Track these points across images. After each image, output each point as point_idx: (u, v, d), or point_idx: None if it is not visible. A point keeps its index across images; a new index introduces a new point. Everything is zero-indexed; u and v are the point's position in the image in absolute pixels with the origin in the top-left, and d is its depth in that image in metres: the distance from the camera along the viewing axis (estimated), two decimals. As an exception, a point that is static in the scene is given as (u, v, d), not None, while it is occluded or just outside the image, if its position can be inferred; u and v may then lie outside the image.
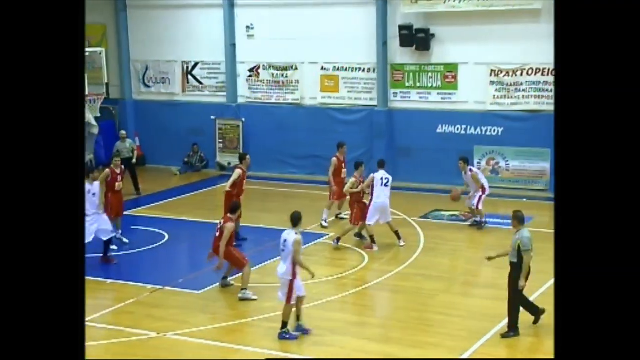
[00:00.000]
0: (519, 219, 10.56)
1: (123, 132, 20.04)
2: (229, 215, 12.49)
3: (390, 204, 17.05)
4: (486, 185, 15.93)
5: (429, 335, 10.66)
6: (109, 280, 13.23)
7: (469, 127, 19.55)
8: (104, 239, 13.81)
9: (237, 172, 14.87)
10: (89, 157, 22.94)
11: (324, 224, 16.09)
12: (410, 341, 10.47)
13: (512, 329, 10.41)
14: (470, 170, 15.88)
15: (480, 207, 15.71)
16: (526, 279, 10.30)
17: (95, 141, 22.81)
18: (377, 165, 15.28)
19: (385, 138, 20.28)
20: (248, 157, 15.56)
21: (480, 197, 15.65)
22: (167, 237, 15.82)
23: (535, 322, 10.63)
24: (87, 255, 13.74)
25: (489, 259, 10.94)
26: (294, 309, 10.60)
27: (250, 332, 11.13)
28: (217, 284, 12.72)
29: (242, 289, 12.12)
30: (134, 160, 19.69)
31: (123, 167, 15.25)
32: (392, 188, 19.67)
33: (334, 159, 16.26)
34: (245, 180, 15.13)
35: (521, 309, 10.50)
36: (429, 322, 11.25)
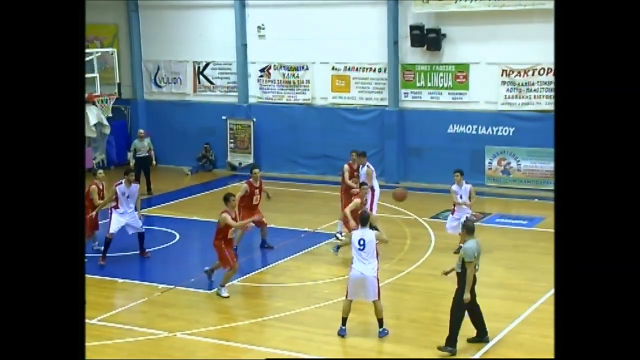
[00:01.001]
0: (467, 229, 10.10)
1: (141, 130, 20.04)
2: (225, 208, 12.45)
3: (400, 203, 17.04)
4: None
5: (442, 336, 10.60)
6: (121, 280, 13.27)
7: (480, 127, 19.51)
8: (130, 232, 14.16)
9: (244, 187, 14.41)
10: (100, 157, 23.09)
11: (339, 237, 14.95)
12: (423, 341, 10.45)
13: (451, 344, 9.97)
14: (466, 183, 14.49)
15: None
16: (470, 290, 9.91)
17: (107, 141, 22.96)
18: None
19: (396, 138, 20.27)
20: (255, 171, 14.65)
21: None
22: (178, 236, 15.86)
23: (472, 340, 10.20)
24: (110, 255, 13.97)
25: (445, 273, 10.42)
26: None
27: (262, 332, 11.14)
28: (228, 284, 12.73)
29: (221, 286, 12.22)
30: (154, 162, 19.75)
31: (103, 183, 14.45)
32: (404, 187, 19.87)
33: (346, 166, 15.30)
34: (256, 194, 14.32)
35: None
36: (441, 323, 11.18)
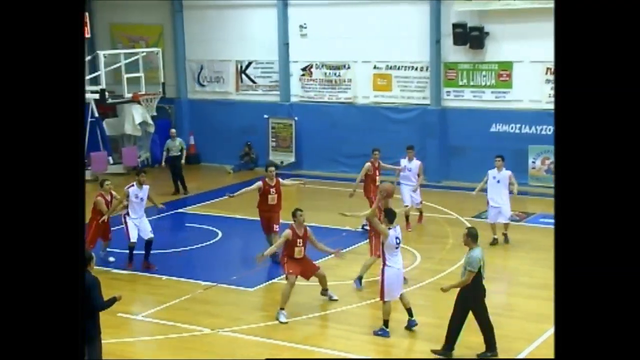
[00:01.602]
0: (472, 237, 9.71)
1: (173, 130, 20.24)
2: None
3: (442, 202, 16.98)
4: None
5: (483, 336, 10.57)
6: (165, 277, 13.46)
7: (523, 126, 19.31)
8: (145, 238, 13.68)
9: (258, 183, 13.94)
10: (145, 155, 23.43)
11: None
12: (465, 342, 10.38)
13: (447, 348, 9.78)
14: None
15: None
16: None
17: (152, 139, 23.29)
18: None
19: (437, 137, 20.19)
20: (270, 169, 14.07)
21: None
22: (220, 234, 16.02)
23: (486, 351, 9.87)
24: (153, 252, 14.03)
25: (443, 290, 10.20)
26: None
27: (303, 330, 11.20)
28: (270, 281, 12.85)
29: (280, 309, 11.30)
30: (183, 160, 19.78)
31: (111, 193, 13.81)
32: (444, 187, 19.79)
33: (368, 164, 15.71)
34: (272, 194, 13.84)
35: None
36: (482, 323, 11.14)
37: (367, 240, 14.43)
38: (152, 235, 13.71)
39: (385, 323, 10.59)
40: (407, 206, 15.87)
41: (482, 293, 9.76)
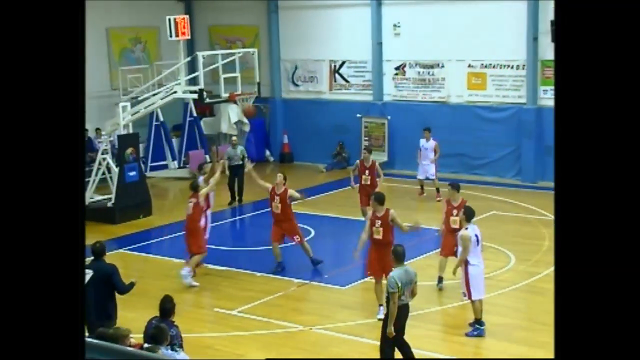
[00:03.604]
0: (395, 255, 9.29)
1: (234, 138, 19.93)
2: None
3: (538, 203, 16.57)
4: None
5: (578, 342, 10.35)
6: (258, 274, 13.77)
7: (624, 125, 18.71)
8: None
9: (268, 186, 13.77)
10: (240, 154, 23.94)
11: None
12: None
13: None
14: None
15: None
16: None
17: (247, 138, 23.80)
18: None
19: (533, 137, 19.78)
20: (279, 175, 13.80)
21: None
22: (313, 233, 16.22)
23: None
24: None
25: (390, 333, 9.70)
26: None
27: (394, 330, 11.24)
28: (362, 280, 12.94)
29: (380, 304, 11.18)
30: (246, 169, 19.59)
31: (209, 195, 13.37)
32: (540, 188, 19.39)
33: (358, 162, 16.16)
34: (276, 202, 13.52)
35: None
36: (577, 328, 10.91)
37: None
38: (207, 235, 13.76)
39: (478, 322, 10.55)
40: (420, 179, 18.79)
41: (403, 313, 9.29)
